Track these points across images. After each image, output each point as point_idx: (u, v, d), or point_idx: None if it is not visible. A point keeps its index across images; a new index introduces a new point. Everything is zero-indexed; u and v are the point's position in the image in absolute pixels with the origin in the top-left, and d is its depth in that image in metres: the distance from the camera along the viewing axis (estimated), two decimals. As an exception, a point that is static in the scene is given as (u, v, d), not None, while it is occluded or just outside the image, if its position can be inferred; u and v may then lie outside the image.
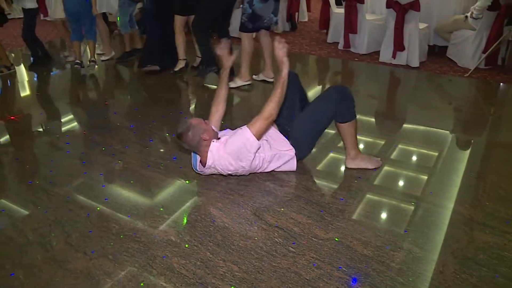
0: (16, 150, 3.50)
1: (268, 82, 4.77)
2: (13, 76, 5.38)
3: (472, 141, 3.48)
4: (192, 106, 4.53)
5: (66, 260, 2.20)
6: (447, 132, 3.57)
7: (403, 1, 5.02)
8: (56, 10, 5.51)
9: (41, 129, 3.88)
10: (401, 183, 2.84)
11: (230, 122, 3.71)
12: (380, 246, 2.21)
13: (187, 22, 5.00)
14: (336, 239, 2.29)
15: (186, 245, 2.29)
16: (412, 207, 2.54)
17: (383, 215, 2.49)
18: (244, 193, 2.73)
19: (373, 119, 3.90)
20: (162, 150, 3.41)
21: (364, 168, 2.90)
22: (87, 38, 5.30)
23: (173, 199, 2.70)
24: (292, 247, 2.23)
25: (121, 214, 2.56)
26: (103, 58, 5.90)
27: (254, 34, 4.67)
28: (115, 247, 2.28)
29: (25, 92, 5.02)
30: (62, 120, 4.10)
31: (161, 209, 2.60)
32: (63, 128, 3.90)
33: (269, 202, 2.61)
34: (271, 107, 2.50)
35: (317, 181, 2.87)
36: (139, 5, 5.81)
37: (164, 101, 4.47)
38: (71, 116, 4.18)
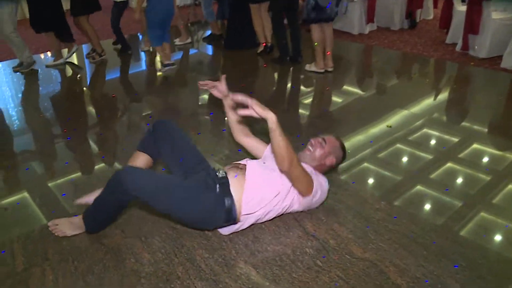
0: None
1: (328, 71, 4.79)
2: (104, 63, 5.71)
3: None
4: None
5: (104, 234, 2.27)
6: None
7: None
8: None
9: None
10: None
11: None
12: (419, 278, 1.93)
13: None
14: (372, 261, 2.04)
15: (216, 240, 2.23)
16: (477, 240, 2.17)
17: (436, 243, 2.15)
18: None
19: (486, 131, 3.44)
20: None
21: None
22: (166, 41, 4.98)
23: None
24: (320, 261, 2.05)
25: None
26: (178, 42, 6.25)
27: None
28: (151, 230, 2.31)
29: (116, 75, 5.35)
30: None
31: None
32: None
33: (316, 209, 2.43)
34: (283, 153, 2.00)
35: (377, 194, 2.59)
36: None
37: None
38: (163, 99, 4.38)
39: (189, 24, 7.55)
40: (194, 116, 3.85)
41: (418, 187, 2.63)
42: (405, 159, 2.99)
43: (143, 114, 3.95)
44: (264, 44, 5.51)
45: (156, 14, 4.61)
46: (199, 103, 4.24)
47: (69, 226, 2.26)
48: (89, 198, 2.27)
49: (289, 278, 1.96)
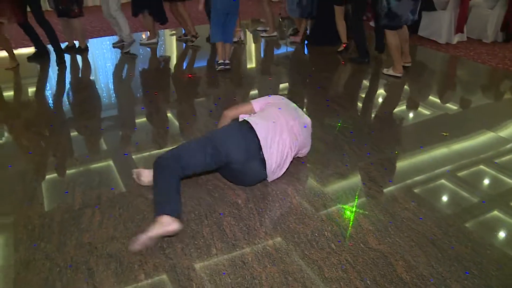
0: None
1: (405, 67, 4.85)
2: (195, 49, 6.08)
3: None
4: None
5: (150, 191, 2.56)
6: None
7: None
8: None
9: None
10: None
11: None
12: (425, 276, 1.98)
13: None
14: (383, 253, 2.12)
15: (245, 211, 2.43)
16: (498, 254, 2.14)
17: (454, 248, 2.17)
18: (329, 184, 2.72)
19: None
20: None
21: None
22: (229, 41, 4.92)
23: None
24: (334, 245, 2.17)
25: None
26: (264, 34, 6.51)
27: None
28: (192, 194, 2.57)
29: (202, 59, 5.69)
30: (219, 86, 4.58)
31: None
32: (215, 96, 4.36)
33: (346, 199, 2.53)
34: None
35: (449, 212, 2.47)
36: None
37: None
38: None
39: (280, 19, 7.79)
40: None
41: (495, 212, 2.51)
42: (486, 181, 2.80)
43: (212, 96, 4.22)
44: (345, 44, 5.60)
45: (217, 9, 4.57)
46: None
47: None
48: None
49: (301, 254, 2.10)
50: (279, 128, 2.54)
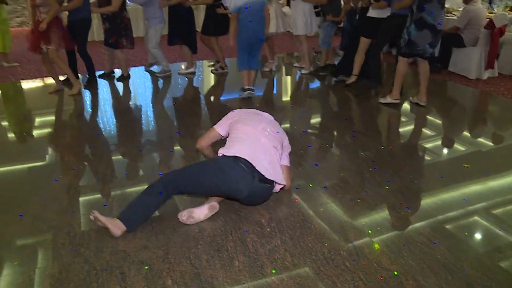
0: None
1: (420, 105, 4.89)
2: (225, 75, 6.52)
3: None
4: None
5: (193, 202, 2.77)
6: None
7: None
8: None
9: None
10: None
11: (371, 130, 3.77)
12: (434, 295, 2.08)
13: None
14: (395, 272, 2.24)
15: (268, 229, 2.60)
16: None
17: (466, 272, 2.24)
18: (348, 208, 2.86)
19: None
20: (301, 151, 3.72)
21: None
22: (254, 68, 5.20)
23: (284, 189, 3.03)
24: (349, 263, 2.30)
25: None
26: (303, 71, 6.69)
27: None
28: (221, 212, 2.75)
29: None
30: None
31: (273, 198, 2.92)
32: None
33: (364, 224, 2.67)
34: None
35: (482, 251, 2.47)
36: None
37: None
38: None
39: (314, 53, 8.08)
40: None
41: (510, 239, 2.54)
42: (501, 211, 2.84)
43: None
44: (356, 77, 5.75)
45: (242, 40, 4.95)
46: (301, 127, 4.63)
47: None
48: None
49: (317, 269, 2.25)
50: (254, 139, 2.73)
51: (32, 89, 6.08)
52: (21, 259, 2.32)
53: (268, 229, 2.60)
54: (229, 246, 2.44)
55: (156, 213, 2.70)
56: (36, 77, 6.51)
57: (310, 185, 3.13)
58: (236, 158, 2.58)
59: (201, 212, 2.65)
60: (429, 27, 4.34)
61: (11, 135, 4.29)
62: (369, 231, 2.57)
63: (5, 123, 4.60)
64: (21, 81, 6.34)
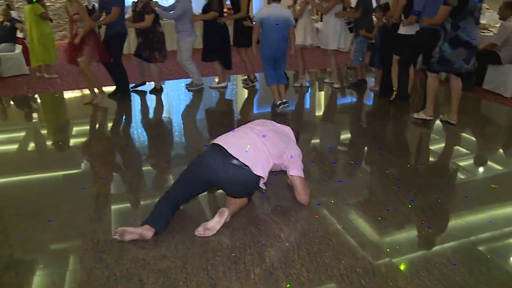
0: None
1: (450, 123, 4.77)
2: (256, 88, 6.62)
3: None
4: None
5: (204, 220, 2.84)
6: None
7: None
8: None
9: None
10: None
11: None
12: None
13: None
14: (412, 292, 2.21)
15: (286, 244, 2.62)
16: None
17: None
18: (368, 225, 2.85)
19: None
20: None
21: None
22: (282, 82, 5.28)
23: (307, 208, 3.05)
24: (364, 281, 2.29)
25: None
26: (334, 86, 6.71)
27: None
28: (241, 225, 2.80)
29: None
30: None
31: (294, 213, 2.98)
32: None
33: (382, 243, 2.65)
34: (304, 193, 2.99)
35: (454, 240, 2.63)
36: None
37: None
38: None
39: (347, 69, 8.09)
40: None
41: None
42: None
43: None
44: (396, 92, 5.69)
45: (263, 52, 5.05)
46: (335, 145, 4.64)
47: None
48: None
49: (332, 286, 2.25)
50: (242, 133, 2.84)
51: (69, 100, 6.34)
52: (46, 263, 2.43)
53: (286, 244, 2.61)
54: (247, 259, 2.47)
55: (177, 223, 2.77)
56: (73, 88, 6.78)
57: (332, 201, 3.13)
58: (213, 145, 2.76)
59: (214, 221, 2.72)
60: (464, 44, 4.27)
61: (48, 143, 4.50)
62: (388, 250, 2.55)
63: (44, 132, 4.83)
64: (60, 92, 6.62)
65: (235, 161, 2.65)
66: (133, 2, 5.96)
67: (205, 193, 3.08)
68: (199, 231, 2.68)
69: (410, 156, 4.12)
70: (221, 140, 2.77)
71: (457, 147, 4.34)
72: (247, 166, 2.65)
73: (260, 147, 2.75)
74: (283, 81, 5.27)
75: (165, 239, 2.63)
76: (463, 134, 4.67)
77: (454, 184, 3.51)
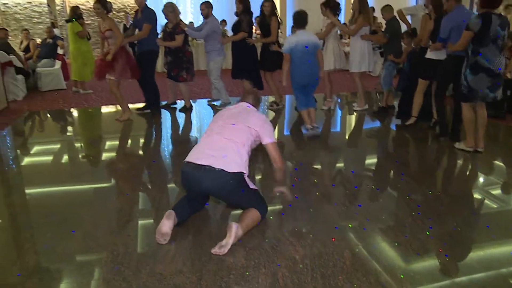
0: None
1: (477, 151, 4.68)
2: (280, 111, 6.70)
3: None
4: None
5: (223, 236, 2.90)
6: None
7: None
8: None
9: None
10: None
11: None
12: None
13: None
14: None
15: (300, 266, 2.66)
16: None
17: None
18: (384, 251, 2.84)
19: None
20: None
21: None
22: (312, 106, 5.32)
23: (324, 227, 3.07)
24: (376, 306, 2.30)
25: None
26: (356, 108, 6.73)
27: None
28: (258, 245, 2.85)
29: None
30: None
31: (311, 236, 3.01)
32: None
33: (398, 269, 2.65)
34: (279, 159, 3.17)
35: (471, 268, 2.61)
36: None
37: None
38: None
39: (376, 94, 8.09)
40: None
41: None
42: None
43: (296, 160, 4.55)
44: (415, 118, 5.63)
45: (295, 80, 5.10)
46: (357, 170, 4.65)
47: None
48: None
49: (342, 310, 2.26)
50: (207, 139, 3.02)
51: (102, 115, 6.59)
52: (68, 271, 2.54)
53: (300, 265, 2.64)
54: (260, 278, 2.51)
55: (195, 238, 2.85)
56: (107, 104, 7.04)
57: (350, 225, 3.14)
58: (186, 164, 2.93)
59: (226, 238, 2.77)
60: (485, 70, 4.23)
61: (80, 156, 4.70)
62: (401, 276, 2.54)
63: (77, 145, 5.04)
64: (93, 107, 6.89)
65: (210, 170, 2.82)
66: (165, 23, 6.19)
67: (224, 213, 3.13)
68: (215, 249, 2.74)
69: (433, 183, 4.09)
70: (190, 157, 2.93)
71: (481, 175, 4.28)
72: (222, 169, 2.81)
73: (224, 145, 2.91)
74: (312, 104, 5.32)
75: (182, 254, 2.71)
76: (489, 162, 4.59)
77: (476, 213, 3.46)
